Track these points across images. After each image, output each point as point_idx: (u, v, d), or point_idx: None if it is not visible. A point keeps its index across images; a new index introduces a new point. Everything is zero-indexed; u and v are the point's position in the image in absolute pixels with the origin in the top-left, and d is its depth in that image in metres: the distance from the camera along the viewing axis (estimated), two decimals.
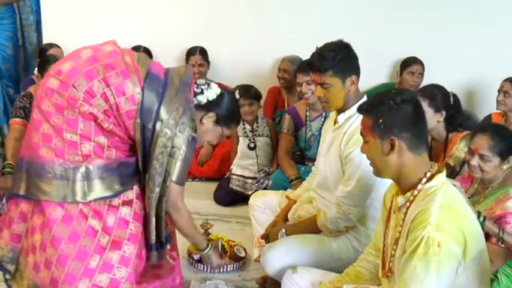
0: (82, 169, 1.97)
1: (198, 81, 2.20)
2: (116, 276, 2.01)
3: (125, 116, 1.98)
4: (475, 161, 2.34)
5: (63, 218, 1.97)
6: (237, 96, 3.76)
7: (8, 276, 2.12)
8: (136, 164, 2.06)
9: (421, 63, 4.22)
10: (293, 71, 3.91)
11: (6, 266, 2.11)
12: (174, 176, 2.04)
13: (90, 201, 1.99)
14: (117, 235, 2.01)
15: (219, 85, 2.30)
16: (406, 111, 1.75)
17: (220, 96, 2.21)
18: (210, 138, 2.31)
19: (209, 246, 2.44)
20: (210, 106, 2.19)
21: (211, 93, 2.18)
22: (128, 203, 2.05)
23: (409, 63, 4.23)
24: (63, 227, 1.97)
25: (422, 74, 4.22)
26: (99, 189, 1.99)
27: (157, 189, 2.02)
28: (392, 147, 1.75)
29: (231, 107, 2.26)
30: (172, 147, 2.01)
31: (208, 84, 2.20)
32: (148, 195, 2.03)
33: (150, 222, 2.07)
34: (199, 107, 2.16)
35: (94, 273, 1.97)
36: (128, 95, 1.97)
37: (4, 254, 2.10)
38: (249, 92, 3.84)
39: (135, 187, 2.09)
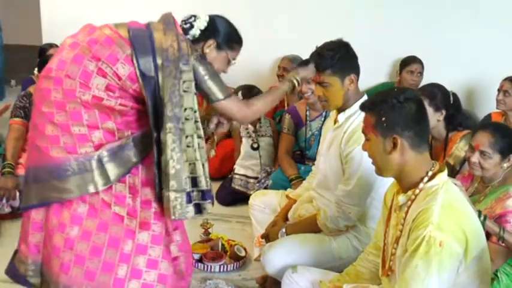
0: (96, 157, 1.96)
1: (183, 18, 2.18)
2: (151, 256, 2.01)
3: (129, 80, 1.96)
4: (475, 158, 2.34)
5: (89, 211, 1.98)
6: (240, 97, 3.76)
7: None
8: (150, 133, 2.01)
9: (420, 62, 4.22)
10: (292, 69, 3.91)
11: (31, 281, 2.09)
12: (219, 95, 2.04)
13: (111, 187, 1.99)
14: (143, 216, 2.01)
15: None
16: (409, 110, 1.74)
17: (212, 22, 2.19)
18: (219, 66, 2.24)
19: (294, 79, 2.35)
20: (206, 35, 2.16)
21: (201, 22, 2.16)
22: (147, 183, 2.03)
23: (409, 62, 4.22)
24: (91, 220, 1.97)
25: (421, 73, 4.22)
26: (116, 169, 1.98)
27: (180, 136, 1.95)
28: (394, 145, 1.74)
29: (227, 28, 2.23)
30: (184, 82, 1.97)
31: (195, 16, 2.19)
32: (172, 145, 1.94)
33: (182, 171, 1.96)
34: (195, 40, 2.14)
35: (130, 257, 1.98)
36: (121, 59, 1.95)
37: (27, 268, 2.08)
38: (252, 92, 3.83)
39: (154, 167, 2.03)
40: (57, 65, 1.97)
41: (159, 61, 1.96)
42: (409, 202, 1.76)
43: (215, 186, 3.98)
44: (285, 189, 3.08)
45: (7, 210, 3.32)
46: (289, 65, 4.22)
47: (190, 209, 2.00)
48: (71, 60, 1.95)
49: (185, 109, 1.97)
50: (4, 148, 3.48)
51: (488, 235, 2.13)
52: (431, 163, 1.79)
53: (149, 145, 2.01)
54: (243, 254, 3.05)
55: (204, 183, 2.02)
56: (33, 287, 2.12)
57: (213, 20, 2.19)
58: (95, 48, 1.95)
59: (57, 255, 1.98)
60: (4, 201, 3.26)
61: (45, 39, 4.79)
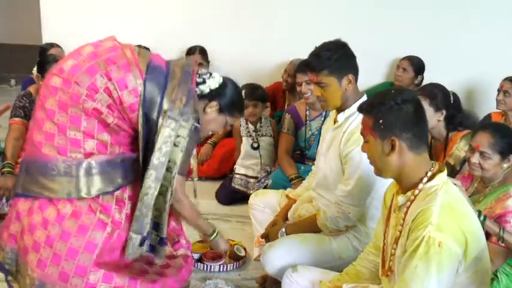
0: (84, 165, 1.97)
1: (200, 71, 2.20)
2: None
3: (128, 109, 1.98)
4: (475, 159, 2.34)
5: (73, 213, 1.98)
6: (243, 96, 3.75)
7: (10, 278, 2.13)
8: (138, 159, 2.05)
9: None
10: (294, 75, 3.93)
11: (8, 268, 2.11)
12: (179, 168, 2.04)
13: (98, 197, 2.00)
14: (125, 229, 2.02)
15: None
16: (407, 111, 1.74)
17: (222, 85, 2.21)
18: (214, 128, 2.31)
19: (216, 232, 2.43)
20: (212, 95, 2.19)
21: (214, 82, 2.19)
22: (134, 199, 2.05)
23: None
24: (72, 222, 1.98)
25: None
26: (101, 184, 2.00)
27: (158, 184, 2.00)
28: (392, 147, 1.74)
29: (234, 96, 2.26)
30: (178, 136, 2.00)
31: (211, 74, 2.21)
32: (148, 186, 1.99)
33: (145, 216, 2.02)
34: (202, 96, 2.17)
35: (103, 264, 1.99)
36: (130, 88, 1.97)
37: (5, 256, 2.11)
38: (255, 93, 3.83)
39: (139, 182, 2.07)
40: (70, 69, 1.99)
41: (164, 107, 1.99)
42: (409, 203, 1.76)
43: (215, 185, 3.99)
44: (285, 188, 3.08)
45: (7, 209, 3.31)
46: (293, 70, 4.21)
47: (141, 250, 2.06)
48: (85, 69, 1.97)
49: (169, 161, 2.00)
50: (4, 147, 3.48)
51: (487, 235, 2.13)
52: (430, 164, 1.78)
53: (135, 173, 2.05)
54: (242, 253, 3.05)
55: (164, 231, 2.08)
56: (10, 275, 2.13)
57: (224, 83, 2.22)
58: (111, 68, 1.97)
59: (37, 251, 2.00)
60: (4, 200, 3.25)
61: (45, 39, 4.78)
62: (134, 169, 2.06)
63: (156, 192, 2.00)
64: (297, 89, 3.75)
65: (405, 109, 1.74)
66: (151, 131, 2.00)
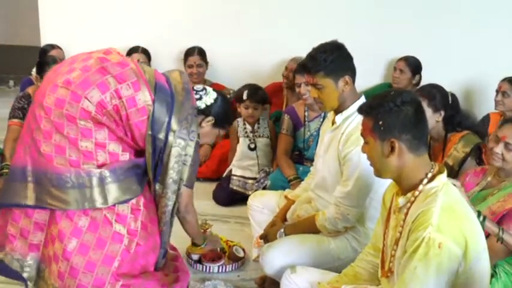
0: (97, 175, 1.98)
1: (195, 88, 2.30)
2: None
3: (134, 126, 2.01)
4: (499, 149, 2.34)
5: (89, 225, 1.99)
6: (245, 96, 3.76)
7: (30, 284, 2.11)
8: (145, 166, 2.09)
9: None
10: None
11: (25, 276, 2.10)
12: (185, 181, 2.12)
13: (114, 206, 2.01)
14: (143, 237, 2.05)
15: (216, 86, 2.36)
16: (407, 113, 1.74)
17: (216, 100, 2.32)
18: (208, 140, 2.46)
19: (205, 242, 2.56)
20: (208, 110, 2.29)
21: (209, 98, 2.30)
22: (147, 205, 2.10)
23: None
24: (90, 234, 1.99)
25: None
26: (117, 192, 2.01)
27: (173, 201, 2.10)
28: (392, 149, 1.74)
29: (226, 110, 2.39)
30: (185, 155, 2.09)
31: (205, 89, 2.31)
32: (165, 204, 2.09)
33: (166, 232, 2.14)
34: (198, 112, 2.25)
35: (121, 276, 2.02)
36: (139, 106, 2.00)
37: (23, 264, 2.09)
38: (257, 94, 3.82)
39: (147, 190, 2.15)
40: (79, 83, 1.97)
41: (173, 127, 2.05)
42: (409, 204, 1.76)
43: (213, 186, 3.99)
44: (284, 189, 3.08)
45: None
46: (294, 66, 4.21)
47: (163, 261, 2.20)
48: (96, 85, 1.96)
49: (181, 179, 2.10)
50: (2, 148, 3.47)
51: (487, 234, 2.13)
52: (430, 165, 1.79)
53: (145, 179, 2.12)
54: (241, 254, 3.04)
55: (167, 245, 2.21)
56: (28, 281, 2.11)
57: (217, 98, 2.32)
58: (121, 86, 1.98)
59: (56, 262, 2.01)
60: None
61: (44, 40, 4.78)
62: (144, 176, 2.11)
63: (172, 209, 2.11)
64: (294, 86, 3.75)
65: (405, 111, 1.74)
66: (159, 149, 2.05)
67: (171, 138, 2.04)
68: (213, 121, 2.31)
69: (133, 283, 2.03)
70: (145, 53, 4.51)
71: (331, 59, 2.31)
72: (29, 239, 2.06)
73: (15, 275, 2.12)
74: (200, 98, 2.28)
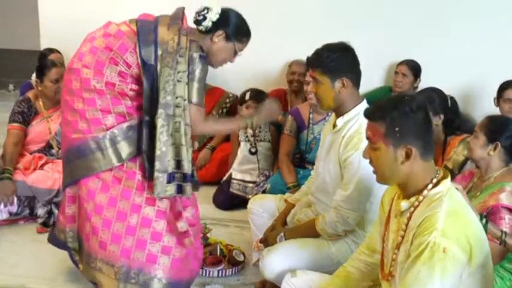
0: (108, 136, 2.22)
1: (197, 10, 2.36)
2: (156, 229, 2.25)
3: (137, 68, 2.21)
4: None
5: (101, 187, 2.24)
6: (247, 97, 3.75)
7: (76, 258, 2.42)
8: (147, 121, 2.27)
9: None
10: (304, 73, 3.95)
11: (70, 245, 2.42)
12: (193, 98, 2.24)
13: (123, 164, 2.25)
14: (150, 192, 2.25)
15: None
16: (421, 119, 1.70)
17: (224, 14, 2.36)
18: (225, 56, 2.44)
19: (252, 120, 2.52)
20: (217, 26, 2.34)
21: (213, 14, 2.34)
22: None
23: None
24: (102, 195, 2.24)
25: None
26: (129, 148, 2.25)
27: (170, 121, 2.19)
28: (407, 155, 1.69)
29: (237, 21, 2.41)
30: (178, 72, 2.19)
31: (208, 8, 2.36)
32: (160, 129, 2.18)
33: (165, 154, 2.20)
34: (207, 31, 2.33)
35: (135, 230, 2.22)
36: (130, 48, 2.22)
37: (66, 235, 2.40)
38: (260, 96, 3.79)
39: None
40: (77, 57, 2.27)
41: (159, 52, 2.21)
42: (412, 208, 1.73)
43: (214, 190, 3.98)
44: (284, 193, 3.08)
45: (5, 216, 3.31)
46: (300, 68, 4.20)
47: (170, 188, 2.24)
48: (88, 51, 2.24)
49: (176, 97, 2.20)
50: (2, 152, 3.47)
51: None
52: (435, 170, 1.75)
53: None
54: (241, 258, 3.04)
55: (186, 166, 2.26)
56: (73, 251, 2.45)
57: (225, 12, 2.38)
58: (108, 40, 2.24)
59: (96, 234, 2.26)
60: (2, 206, 3.24)
61: (44, 44, 4.78)
62: (154, 130, 2.24)
63: (170, 129, 2.20)
64: (300, 92, 3.75)
65: (419, 116, 1.69)
66: (152, 77, 2.20)
67: (159, 60, 2.20)
68: (224, 34, 2.35)
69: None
70: None
71: (332, 58, 2.31)
72: (66, 211, 2.36)
73: (64, 246, 2.47)
74: (204, 18, 2.32)
